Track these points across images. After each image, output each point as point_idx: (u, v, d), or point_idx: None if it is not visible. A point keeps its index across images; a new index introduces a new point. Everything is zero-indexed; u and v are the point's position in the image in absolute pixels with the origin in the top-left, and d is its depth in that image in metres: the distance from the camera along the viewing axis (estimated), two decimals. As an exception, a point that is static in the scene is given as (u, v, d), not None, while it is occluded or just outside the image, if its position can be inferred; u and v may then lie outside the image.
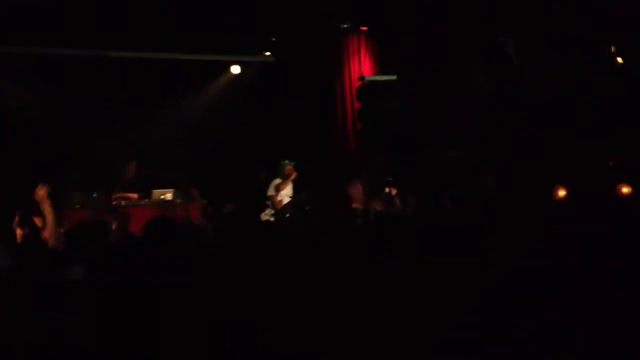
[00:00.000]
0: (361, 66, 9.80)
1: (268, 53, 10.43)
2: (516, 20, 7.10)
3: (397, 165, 8.20)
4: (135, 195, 8.78)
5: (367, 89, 9.44)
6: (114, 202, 8.57)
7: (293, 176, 8.10)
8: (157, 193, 8.61)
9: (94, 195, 8.59)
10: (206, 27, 8.90)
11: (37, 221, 5.29)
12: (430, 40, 8.25)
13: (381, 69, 9.76)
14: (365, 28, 9.84)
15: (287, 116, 9.98)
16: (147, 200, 8.61)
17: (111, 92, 9.57)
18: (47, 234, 4.62)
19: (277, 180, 8.11)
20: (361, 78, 9.56)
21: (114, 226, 5.44)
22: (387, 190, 7.18)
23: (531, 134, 6.33)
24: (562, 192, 5.97)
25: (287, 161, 8.19)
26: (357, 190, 6.96)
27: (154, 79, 9.64)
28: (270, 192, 8.06)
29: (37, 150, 9.01)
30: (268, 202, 8.00)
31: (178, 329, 2.80)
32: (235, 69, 10.53)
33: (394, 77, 9.31)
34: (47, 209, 4.64)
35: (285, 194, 8.07)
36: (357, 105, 9.59)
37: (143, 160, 9.13)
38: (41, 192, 4.66)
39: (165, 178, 8.88)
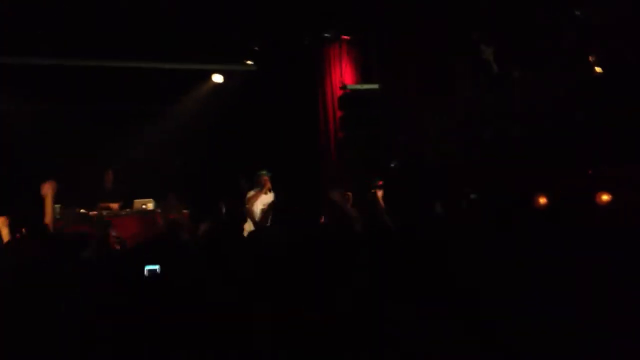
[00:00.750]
0: (343, 75, 9.82)
1: (250, 62, 10.42)
2: (496, 29, 7.17)
3: (378, 173, 8.22)
4: (116, 206, 8.73)
5: (349, 98, 9.46)
6: (95, 213, 8.52)
7: (267, 186, 7.91)
8: (138, 203, 8.57)
9: (74, 207, 8.54)
10: (188, 36, 8.88)
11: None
12: (414, 48, 8.29)
13: (363, 77, 9.78)
14: (347, 37, 9.87)
15: (269, 125, 9.99)
16: (128, 210, 8.55)
17: (92, 102, 9.52)
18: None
19: (252, 192, 7.95)
20: (343, 87, 9.58)
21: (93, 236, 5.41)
22: (372, 191, 7.15)
23: (510, 142, 6.38)
24: (542, 200, 6.02)
25: (263, 171, 8.04)
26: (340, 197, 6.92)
27: (136, 88, 9.60)
28: (246, 203, 7.92)
29: (16, 161, 8.93)
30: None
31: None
32: (217, 78, 10.51)
33: (376, 86, 9.34)
34: (48, 204, 4.88)
35: (262, 204, 7.92)
36: (339, 113, 9.60)
37: (124, 169, 9.08)
38: (47, 187, 4.91)
39: (147, 187, 8.83)
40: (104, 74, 9.43)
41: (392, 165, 7.89)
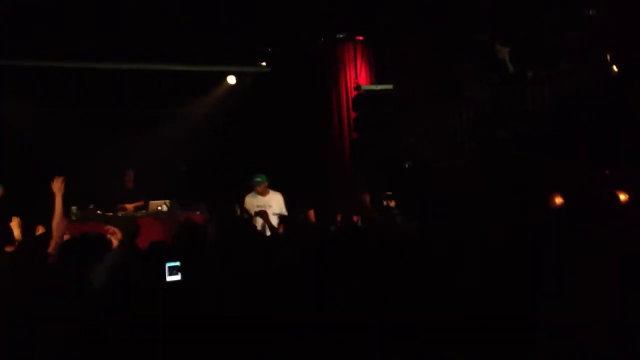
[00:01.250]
0: (357, 75, 9.81)
1: (264, 63, 10.45)
2: (512, 28, 7.12)
3: (392, 176, 8.21)
4: (131, 207, 8.75)
5: (363, 99, 9.44)
6: (112, 214, 8.56)
7: (259, 190, 7.67)
8: (153, 204, 8.58)
9: (91, 207, 8.60)
10: (202, 38, 8.92)
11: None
12: (424, 49, 8.27)
13: (377, 78, 9.76)
14: (361, 37, 9.86)
15: (282, 127, 10.01)
16: (143, 211, 8.57)
17: (107, 105, 9.60)
18: (54, 224, 4.75)
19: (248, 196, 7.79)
20: (357, 87, 9.56)
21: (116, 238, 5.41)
22: (385, 203, 7.16)
23: (526, 141, 6.34)
24: (558, 200, 5.96)
25: (257, 178, 7.76)
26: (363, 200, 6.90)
27: (151, 91, 9.67)
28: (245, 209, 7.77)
29: (36, 163, 9.04)
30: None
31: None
32: (231, 80, 10.56)
33: (390, 86, 9.31)
34: (59, 200, 4.84)
35: (254, 206, 7.68)
36: (353, 114, 9.59)
37: (139, 171, 9.13)
38: (58, 183, 4.90)
39: (163, 189, 8.87)
40: (117, 77, 9.50)
41: (406, 166, 7.86)
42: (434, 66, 8.12)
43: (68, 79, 9.27)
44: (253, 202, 7.70)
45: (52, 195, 4.97)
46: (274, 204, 7.63)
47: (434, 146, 7.77)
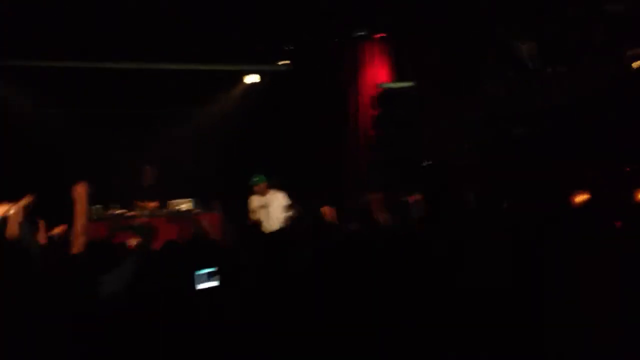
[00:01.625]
0: (377, 73, 9.75)
1: (282, 62, 10.45)
2: (532, 25, 7.01)
3: (411, 174, 8.15)
4: (153, 204, 8.78)
5: (383, 97, 9.39)
6: (132, 213, 8.61)
7: (259, 192, 7.84)
8: (173, 204, 8.61)
9: (110, 206, 8.67)
10: (220, 37, 8.94)
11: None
12: (444, 46, 8.19)
13: (397, 75, 9.69)
14: (381, 35, 9.80)
15: (300, 125, 10.00)
16: (164, 210, 8.61)
17: (126, 104, 9.68)
18: (77, 227, 4.73)
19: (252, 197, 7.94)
20: (377, 85, 9.51)
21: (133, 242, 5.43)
22: (405, 198, 7.04)
23: (545, 139, 6.24)
24: (579, 198, 5.85)
25: (256, 178, 7.94)
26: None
27: (170, 90, 9.73)
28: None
29: (54, 162, 9.16)
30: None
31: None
32: (250, 79, 10.57)
33: (410, 84, 9.25)
34: (81, 207, 4.62)
35: (258, 206, 7.87)
36: (373, 113, 9.53)
37: (159, 170, 9.18)
38: (81, 189, 4.79)
39: (181, 188, 8.90)
40: (135, 76, 9.57)
41: (425, 164, 7.79)
42: (453, 63, 8.04)
43: (86, 79, 9.37)
44: (255, 202, 7.86)
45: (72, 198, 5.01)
46: (274, 203, 7.74)
47: (451, 144, 7.70)
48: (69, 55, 8.95)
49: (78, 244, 4.77)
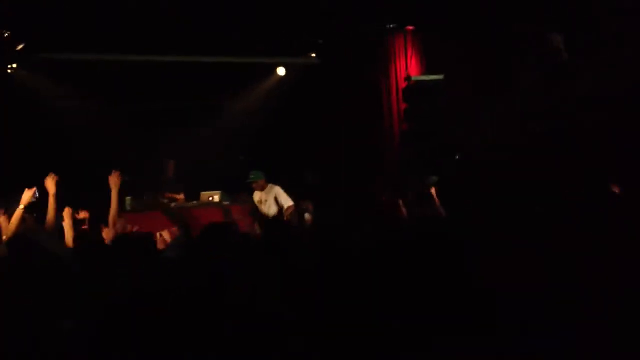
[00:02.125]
0: (408, 66, 9.69)
1: (313, 55, 10.46)
2: (566, 16, 6.90)
3: (441, 167, 8.08)
4: (181, 197, 8.97)
5: (414, 90, 9.33)
6: (164, 204, 8.79)
7: (258, 188, 8.20)
8: (205, 195, 8.74)
9: (144, 197, 8.85)
10: (251, 30, 8.97)
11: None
12: (476, 39, 8.10)
13: (428, 68, 9.63)
14: (411, 28, 9.74)
15: (331, 118, 10.01)
16: (195, 202, 8.73)
17: (157, 97, 9.79)
18: (111, 215, 4.98)
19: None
20: (408, 78, 9.46)
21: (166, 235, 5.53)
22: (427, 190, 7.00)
23: (582, 131, 6.12)
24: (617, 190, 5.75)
25: (253, 175, 8.18)
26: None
27: (201, 83, 9.80)
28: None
29: (86, 155, 9.32)
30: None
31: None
32: (281, 71, 10.62)
33: (441, 77, 9.17)
34: (115, 194, 5.23)
35: (259, 201, 8.14)
36: (403, 106, 9.49)
37: (187, 163, 9.34)
38: (115, 177, 5.25)
39: (206, 181, 9.03)
40: (166, 69, 9.66)
41: (456, 157, 7.72)
42: (484, 56, 7.95)
43: (116, 72, 9.49)
44: (256, 197, 8.27)
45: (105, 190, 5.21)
46: (269, 198, 8.09)
47: (484, 138, 7.62)
48: (99, 48, 9.07)
49: (111, 232, 4.98)
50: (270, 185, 8.22)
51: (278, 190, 8.15)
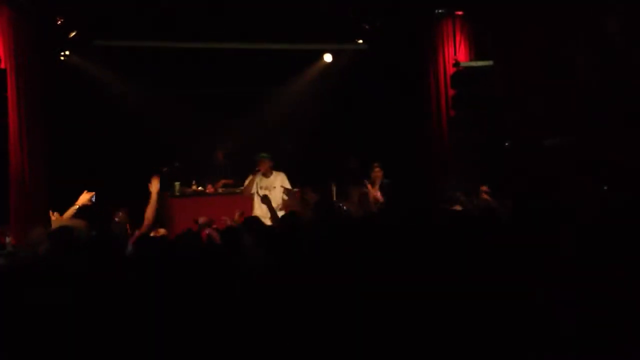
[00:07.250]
0: (456, 52, 9.54)
1: (361, 41, 10.40)
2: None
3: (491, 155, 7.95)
4: (231, 183, 9.18)
5: (462, 75, 9.19)
6: (211, 190, 8.99)
7: (262, 169, 7.69)
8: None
9: (193, 183, 9.02)
10: (299, 15, 8.95)
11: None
12: (531, 24, 7.90)
13: (477, 54, 9.46)
14: (460, 12, 9.57)
15: (379, 105, 9.96)
16: (241, 188, 8.80)
17: (205, 84, 9.88)
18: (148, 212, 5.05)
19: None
20: (456, 64, 9.31)
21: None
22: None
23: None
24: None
25: (263, 154, 7.78)
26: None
27: (249, 70, 9.85)
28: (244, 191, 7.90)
29: (141, 141, 9.50)
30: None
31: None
32: (328, 58, 10.58)
33: (490, 63, 9.01)
34: (154, 197, 5.26)
35: (261, 187, 7.71)
36: (451, 92, 9.36)
37: (237, 150, 9.44)
38: (155, 183, 5.35)
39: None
40: (214, 56, 9.72)
41: (506, 144, 7.56)
42: (541, 42, 7.74)
43: (168, 59, 9.59)
44: (258, 183, 7.77)
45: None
46: (277, 184, 7.69)
47: (541, 124, 7.43)
48: (152, 35, 9.18)
49: (146, 223, 5.12)
50: (275, 172, 7.84)
51: (284, 177, 7.82)
